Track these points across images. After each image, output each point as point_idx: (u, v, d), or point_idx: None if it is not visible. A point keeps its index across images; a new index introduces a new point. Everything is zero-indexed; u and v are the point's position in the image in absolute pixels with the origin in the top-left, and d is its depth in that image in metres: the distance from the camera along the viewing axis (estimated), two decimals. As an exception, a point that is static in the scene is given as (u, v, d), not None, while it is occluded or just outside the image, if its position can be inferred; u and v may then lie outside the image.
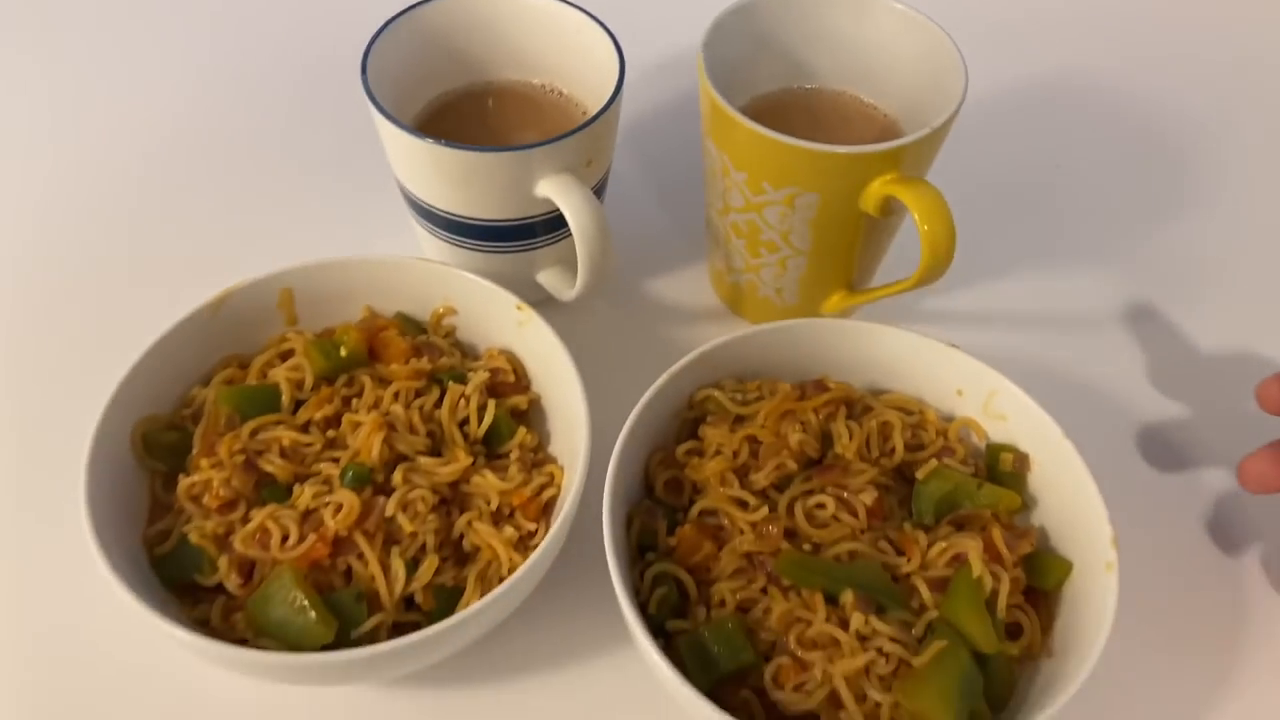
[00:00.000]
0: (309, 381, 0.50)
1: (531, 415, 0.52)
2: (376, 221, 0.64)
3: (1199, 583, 0.52)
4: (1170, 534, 0.53)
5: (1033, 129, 0.73)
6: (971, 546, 0.44)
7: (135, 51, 0.76)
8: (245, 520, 0.45)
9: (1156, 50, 0.79)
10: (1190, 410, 0.58)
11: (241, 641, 0.42)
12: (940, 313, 0.62)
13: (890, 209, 0.50)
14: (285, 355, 0.51)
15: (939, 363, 0.50)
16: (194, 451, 0.47)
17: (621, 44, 0.54)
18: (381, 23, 0.54)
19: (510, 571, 0.45)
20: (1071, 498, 0.46)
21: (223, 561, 0.44)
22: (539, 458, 0.50)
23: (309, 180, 0.67)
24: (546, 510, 0.48)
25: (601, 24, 0.55)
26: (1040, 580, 0.45)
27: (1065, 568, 0.45)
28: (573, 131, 0.50)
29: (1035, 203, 0.68)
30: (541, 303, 0.52)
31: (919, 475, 0.47)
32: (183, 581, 0.45)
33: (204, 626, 0.43)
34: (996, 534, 0.45)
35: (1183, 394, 0.58)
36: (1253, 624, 0.50)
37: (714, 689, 0.41)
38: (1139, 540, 0.46)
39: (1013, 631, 0.44)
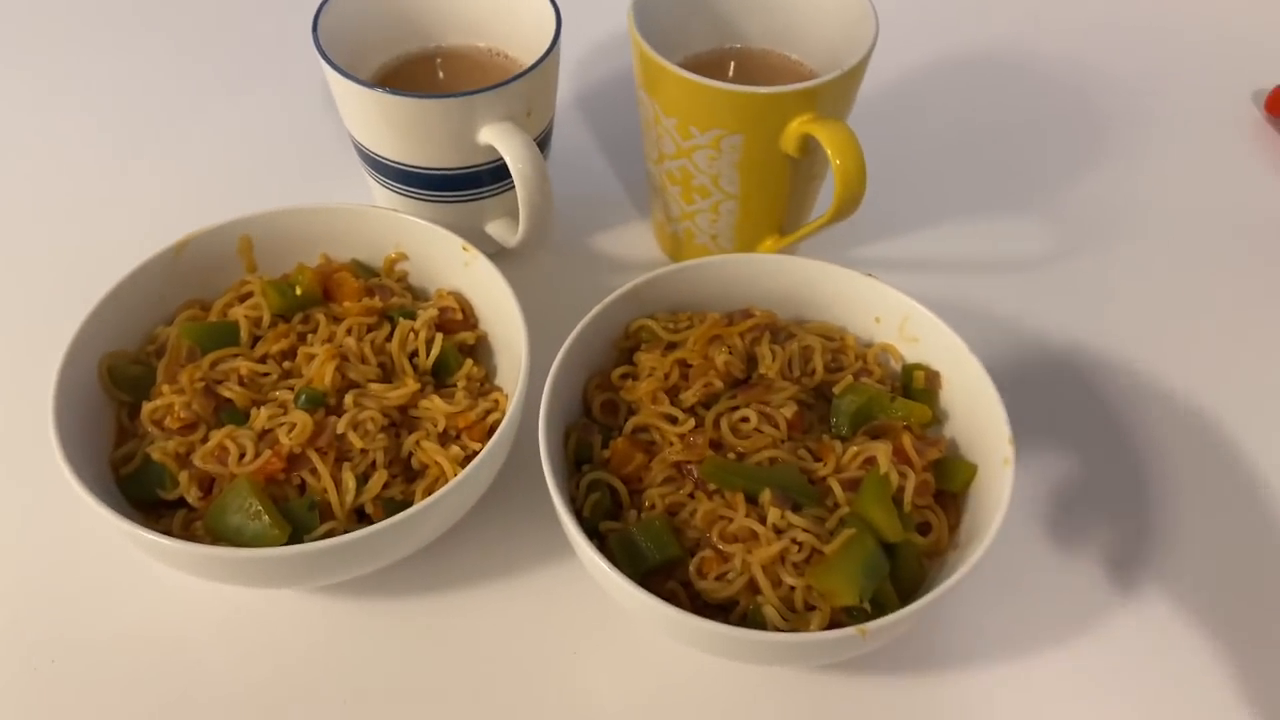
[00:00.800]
0: (266, 319, 0.53)
1: (479, 351, 0.56)
2: (333, 180, 0.68)
3: (1093, 482, 0.55)
4: (1068, 442, 0.57)
5: (960, 91, 0.77)
6: (880, 449, 0.47)
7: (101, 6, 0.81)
8: (204, 441, 0.48)
9: (1073, 15, 0.83)
10: (1099, 338, 0.62)
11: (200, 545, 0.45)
12: (868, 259, 0.65)
13: (809, 148, 0.54)
14: (244, 298, 0.54)
15: (857, 291, 0.54)
16: (157, 381, 0.50)
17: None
18: (332, -13, 0.58)
19: (456, 486, 0.48)
20: (976, 406, 0.49)
21: (183, 476, 0.47)
22: (485, 389, 0.54)
23: (266, 139, 0.72)
24: (491, 433, 0.51)
25: (541, -15, 0.58)
26: (949, 483, 0.49)
27: (970, 470, 0.49)
28: (512, 79, 0.53)
29: (965, 160, 0.72)
30: (492, 256, 0.55)
31: (836, 390, 0.51)
32: (146, 500, 0.48)
33: (166, 536, 0.46)
34: (906, 440, 0.48)
35: (1092, 325, 0.62)
36: (1163, 522, 0.54)
37: (642, 581, 0.44)
38: (1038, 445, 0.50)
39: (923, 530, 0.48)
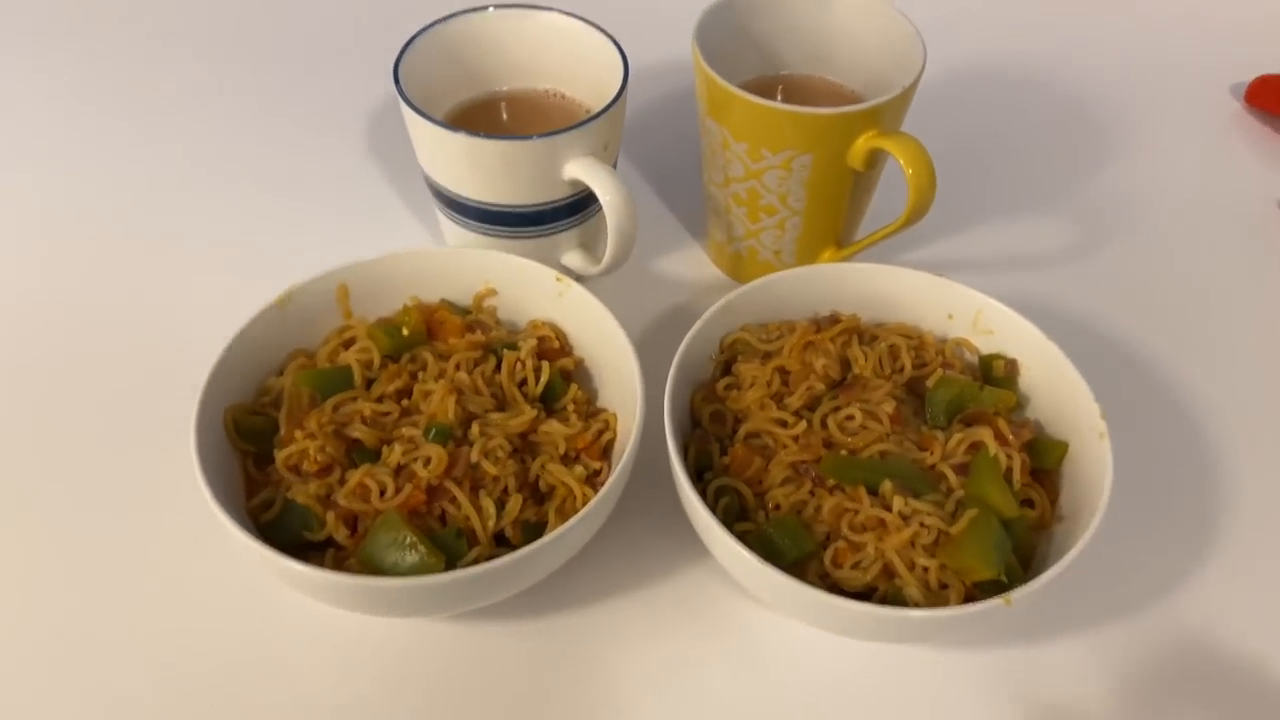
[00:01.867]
0: (376, 361, 0.55)
1: (577, 376, 0.58)
2: (399, 224, 0.70)
3: (1181, 453, 0.60)
4: (1147, 408, 0.62)
5: (967, 104, 0.82)
6: (984, 433, 0.51)
7: (171, 66, 0.82)
8: (342, 482, 0.50)
9: (1066, 32, 0.89)
10: (1141, 318, 0.66)
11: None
12: (913, 263, 0.69)
13: (873, 162, 0.58)
14: (348, 343, 0.56)
15: (929, 291, 0.57)
16: (283, 430, 0.52)
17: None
18: (405, 40, 0.60)
19: (584, 503, 0.50)
20: (1059, 388, 0.53)
21: (329, 516, 0.49)
22: (591, 409, 0.56)
23: (335, 191, 0.73)
24: (606, 451, 0.54)
25: (600, 29, 0.62)
26: (1042, 461, 0.53)
27: (1062, 448, 0.52)
28: (594, 117, 0.56)
29: (979, 166, 0.77)
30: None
31: (929, 384, 0.54)
32: (290, 544, 0.49)
33: (337, 572, 0.47)
34: (1002, 424, 0.52)
35: (1133, 306, 0.67)
36: (1228, 478, 0.59)
37: (782, 578, 0.47)
38: (1120, 417, 0.54)
39: (1026, 506, 0.51)
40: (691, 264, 0.70)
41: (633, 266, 0.69)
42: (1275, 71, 0.82)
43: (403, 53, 0.59)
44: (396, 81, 0.58)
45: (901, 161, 0.55)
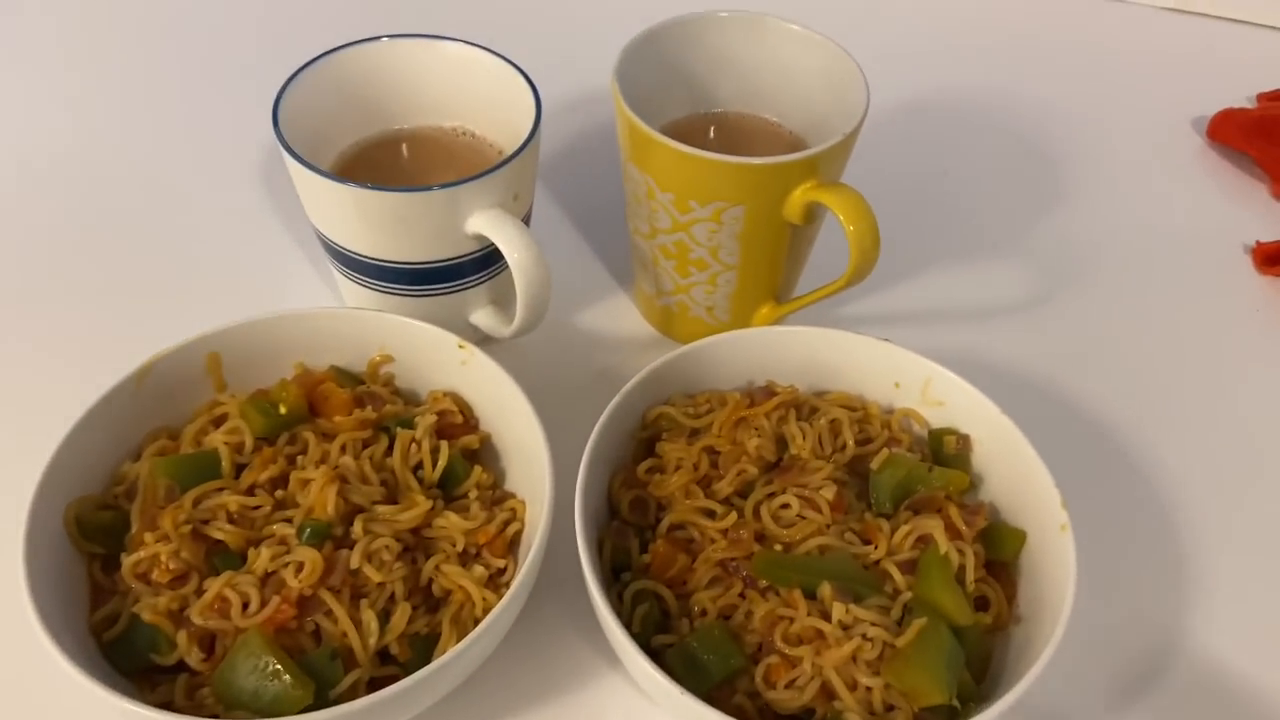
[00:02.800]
0: (249, 444, 0.48)
1: (483, 454, 0.52)
2: (294, 279, 0.63)
3: (1147, 533, 0.55)
4: (1112, 490, 0.56)
5: (915, 140, 0.77)
6: (934, 526, 0.46)
7: (44, 102, 0.74)
8: (200, 592, 0.43)
9: (1020, 64, 0.85)
10: (1102, 380, 0.61)
11: (213, 718, 0.40)
12: (857, 317, 0.64)
13: (812, 216, 0.53)
14: (219, 421, 0.49)
15: (874, 358, 0.52)
16: (134, 528, 0.45)
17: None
18: (288, 74, 0.53)
19: (485, 611, 0.44)
20: (1016, 470, 0.48)
21: (181, 637, 0.42)
22: (497, 495, 0.50)
23: (213, 244, 0.66)
24: (513, 545, 0.48)
25: (513, 64, 0.55)
26: (997, 552, 0.47)
27: (1020, 537, 0.47)
28: (500, 164, 0.50)
29: (928, 207, 0.72)
30: (475, 344, 0.52)
31: (873, 465, 0.49)
32: (137, 667, 0.42)
33: (168, 710, 0.41)
34: (954, 512, 0.47)
35: (1093, 361, 0.62)
36: (1199, 565, 0.53)
37: (706, 698, 0.41)
38: (1083, 501, 0.48)
39: (980, 604, 0.46)
40: (619, 317, 0.64)
41: (554, 321, 0.62)
42: (1239, 105, 0.78)
43: (284, 89, 0.52)
44: (276, 123, 0.51)
45: (841, 218, 0.50)
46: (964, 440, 0.50)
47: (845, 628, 0.42)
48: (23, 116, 0.73)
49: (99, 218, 0.67)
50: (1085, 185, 0.74)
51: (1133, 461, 0.58)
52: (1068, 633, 0.42)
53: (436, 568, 0.45)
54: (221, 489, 0.46)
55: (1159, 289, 0.67)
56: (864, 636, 0.42)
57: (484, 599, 0.45)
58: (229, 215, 0.67)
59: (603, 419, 0.47)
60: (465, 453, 0.50)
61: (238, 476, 0.47)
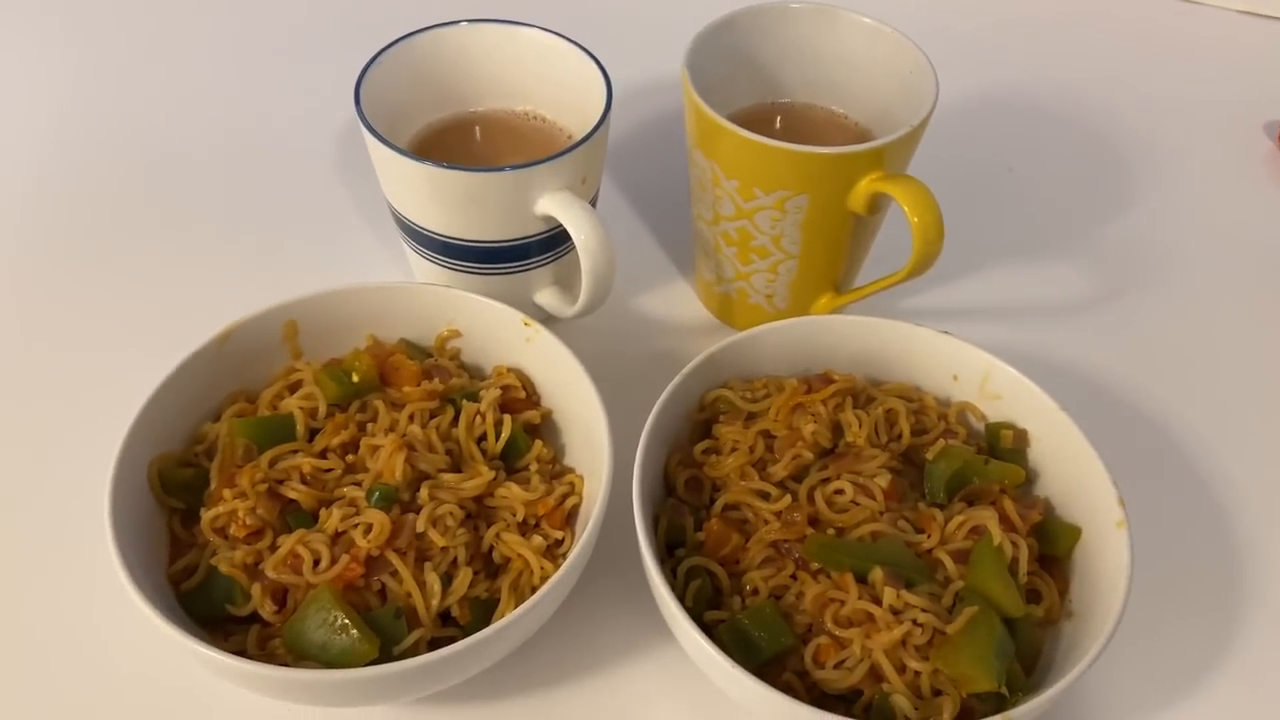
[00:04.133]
0: (322, 409, 0.50)
1: (544, 430, 0.53)
2: (367, 254, 0.65)
3: (1203, 536, 0.54)
4: (1169, 492, 0.56)
5: (981, 135, 0.77)
6: (988, 517, 0.46)
7: (132, 80, 0.77)
8: (273, 548, 0.45)
9: (1091, 63, 0.84)
10: (1165, 383, 0.61)
11: (283, 666, 0.42)
12: (916, 311, 0.64)
13: (876, 207, 0.53)
14: (294, 386, 0.51)
15: (933, 350, 0.52)
16: (213, 485, 0.47)
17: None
18: (369, 55, 0.55)
19: (542, 579, 0.46)
20: (1072, 466, 0.48)
21: (255, 589, 0.44)
22: (556, 469, 0.51)
23: (290, 216, 0.68)
24: (570, 518, 0.49)
25: (584, 48, 0.57)
26: (1051, 547, 0.47)
27: (1074, 533, 0.47)
28: (572, 147, 0.51)
29: (992, 203, 0.71)
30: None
31: (929, 455, 0.49)
32: (213, 616, 0.45)
33: (247, 660, 0.43)
34: (1008, 505, 0.47)
35: (1154, 363, 0.62)
36: (1255, 571, 0.53)
37: (755, 674, 0.42)
38: (1141, 502, 0.48)
39: (1031, 598, 0.46)
40: (678, 302, 0.65)
41: (614, 304, 0.64)
42: (1313, 110, 0.76)
43: (366, 70, 0.54)
44: (357, 102, 0.53)
45: (906, 209, 0.50)
46: (1021, 435, 0.51)
47: (896, 612, 0.43)
48: (118, 85, 0.76)
49: (189, 188, 0.69)
50: (1154, 188, 0.74)
51: (1191, 464, 0.58)
52: (1119, 629, 0.42)
53: (497, 535, 0.47)
54: (296, 451, 0.48)
55: (1227, 295, 0.67)
56: (914, 622, 0.42)
57: (542, 568, 0.46)
58: (309, 192, 0.69)
59: (662, 399, 0.49)
60: (527, 427, 0.52)
61: (311, 440, 0.49)
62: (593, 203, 0.57)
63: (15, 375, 0.58)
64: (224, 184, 0.70)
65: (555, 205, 0.52)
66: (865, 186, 0.51)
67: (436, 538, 0.45)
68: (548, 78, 0.59)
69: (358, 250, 0.66)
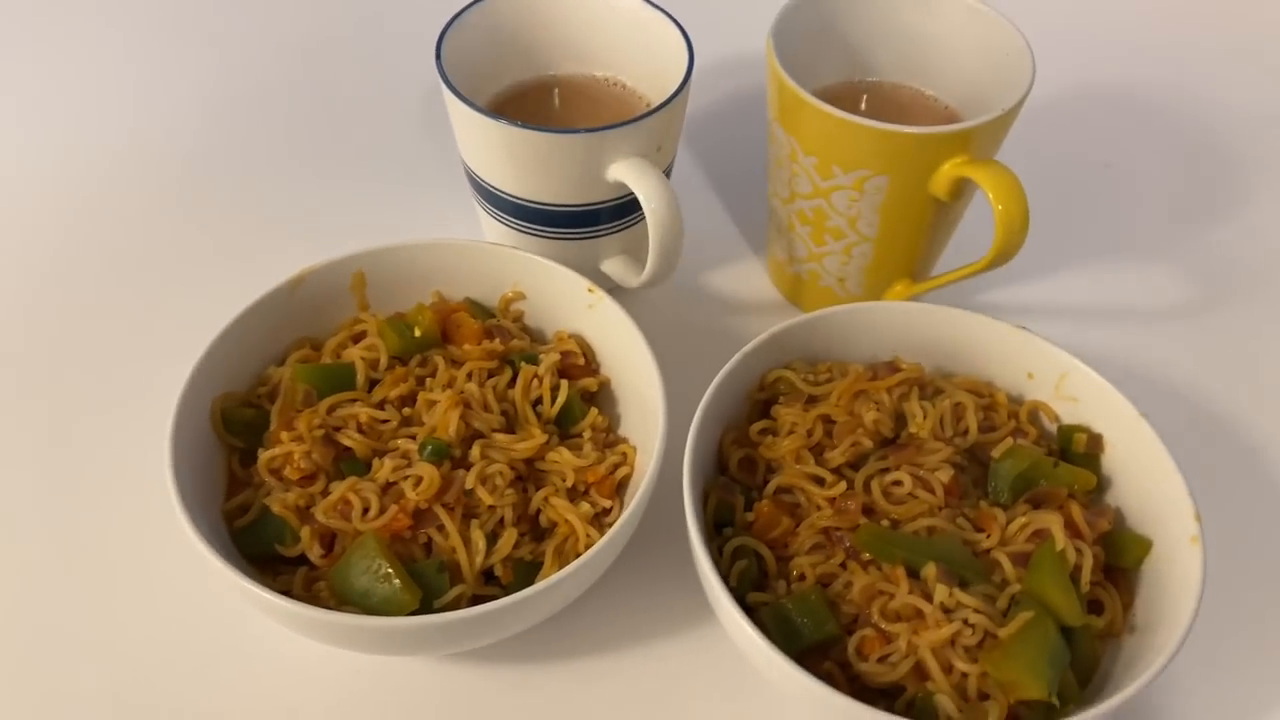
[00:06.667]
0: (383, 361, 0.50)
1: (601, 398, 0.53)
2: (439, 211, 0.65)
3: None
4: (1249, 511, 0.53)
5: (1078, 129, 0.73)
6: (1053, 521, 0.44)
7: (219, 41, 0.79)
8: (325, 493, 0.46)
9: (1198, 63, 0.79)
10: (1253, 397, 0.58)
11: (326, 609, 0.42)
12: (992, 305, 0.62)
13: (959, 192, 0.51)
14: (358, 337, 0.52)
15: (1009, 345, 0.50)
16: (272, 427, 0.48)
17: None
18: (452, 14, 0.55)
19: (587, 546, 0.45)
20: (1148, 476, 0.46)
21: (305, 532, 0.44)
22: (610, 439, 0.51)
23: (369, 170, 0.69)
24: (620, 488, 0.48)
25: (668, 14, 0.56)
26: (1119, 559, 0.45)
27: (1145, 546, 0.45)
28: (648, 114, 0.50)
29: (1084, 199, 0.69)
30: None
31: (995, 453, 0.47)
32: (263, 555, 0.45)
33: (287, 596, 0.43)
34: (1076, 511, 0.45)
35: (1247, 379, 0.59)
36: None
37: (796, 660, 0.41)
38: (1217, 520, 0.46)
39: (1093, 609, 0.44)
40: (748, 281, 0.64)
41: (683, 277, 0.63)
42: None
43: (447, 28, 0.54)
44: (438, 58, 0.53)
45: (990, 196, 0.48)
46: (1096, 440, 0.48)
47: (947, 610, 0.42)
48: (205, 45, 0.78)
49: (271, 138, 0.71)
50: (1259, 196, 0.70)
51: (1275, 484, 0.54)
52: (1183, 649, 0.40)
53: (545, 499, 0.47)
54: (354, 400, 0.49)
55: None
56: (965, 622, 0.41)
57: (588, 535, 0.46)
58: (387, 147, 0.70)
59: (721, 374, 0.48)
60: (584, 394, 0.51)
61: (370, 390, 0.49)
62: (667, 173, 0.56)
63: (95, 305, 0.60)
64: (309, 138, 0.71)
65: (627, 171, 0.51)
66: (948, 170, 0.49)
67: (485, 496, 0.45)
68: (630, 44, 0.58)
69: (431, 208, 0.66)
